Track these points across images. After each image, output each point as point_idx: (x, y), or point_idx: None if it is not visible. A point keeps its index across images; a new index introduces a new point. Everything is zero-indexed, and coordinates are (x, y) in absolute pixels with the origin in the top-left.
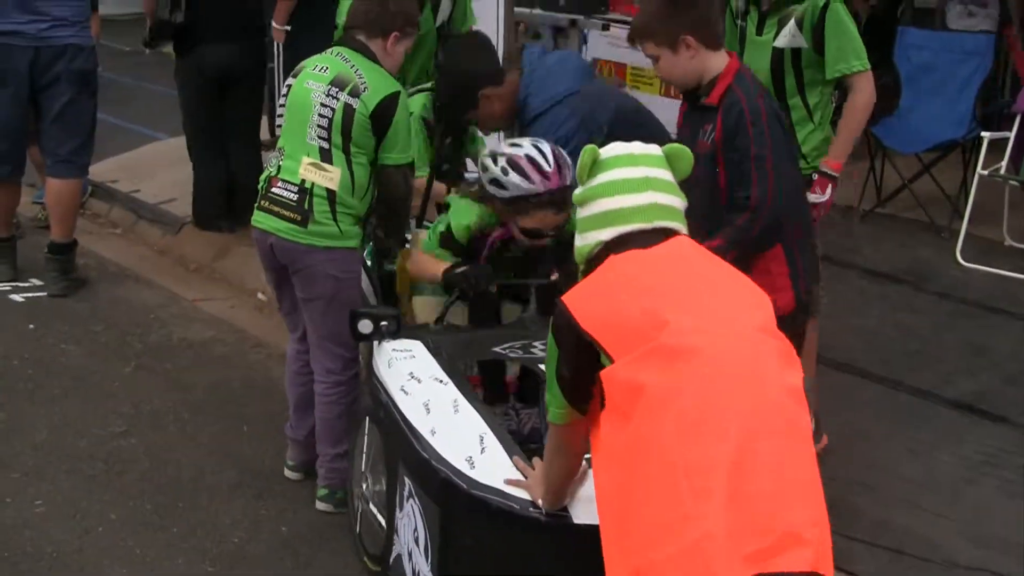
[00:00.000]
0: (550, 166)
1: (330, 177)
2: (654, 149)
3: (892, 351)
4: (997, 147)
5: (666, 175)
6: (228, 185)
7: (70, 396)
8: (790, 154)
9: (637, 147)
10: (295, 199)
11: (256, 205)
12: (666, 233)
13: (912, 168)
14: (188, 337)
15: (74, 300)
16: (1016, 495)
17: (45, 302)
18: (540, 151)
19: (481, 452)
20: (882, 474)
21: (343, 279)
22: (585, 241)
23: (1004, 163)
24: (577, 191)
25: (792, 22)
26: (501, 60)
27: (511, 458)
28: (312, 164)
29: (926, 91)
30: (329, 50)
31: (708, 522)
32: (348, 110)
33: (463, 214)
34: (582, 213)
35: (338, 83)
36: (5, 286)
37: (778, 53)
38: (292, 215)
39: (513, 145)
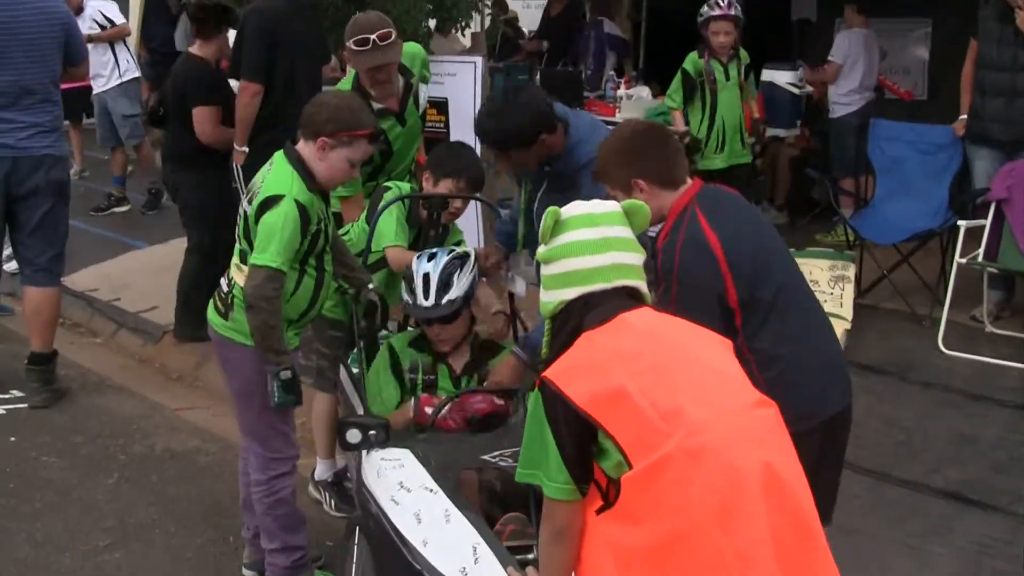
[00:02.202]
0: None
1: (244, 276)
2: (613, 207)
3: (879, 443)
4: (974, 234)
5: (625, 232)
6: None
7: (52, 510)
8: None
9: (597, 206)
10: (225, 291)
11: None
12: (627, 291)
13: (890, 259)
14: (171, 447)
15: (55, 411)
16: None
17: (26, 414)
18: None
19: (475, 563)
20: (877, 570)
21: (257, 379)
22: (550, 298)
23: (981, 250)
24: (541, 250)
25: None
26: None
27: (506, 569)
28: (236, 264)
29: (901, 182)
30: None
31: None
32: (246, 217)
33: None
34: (546, 271)
35: (250, 190)
36: None
37: None
38: (220, 306)
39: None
